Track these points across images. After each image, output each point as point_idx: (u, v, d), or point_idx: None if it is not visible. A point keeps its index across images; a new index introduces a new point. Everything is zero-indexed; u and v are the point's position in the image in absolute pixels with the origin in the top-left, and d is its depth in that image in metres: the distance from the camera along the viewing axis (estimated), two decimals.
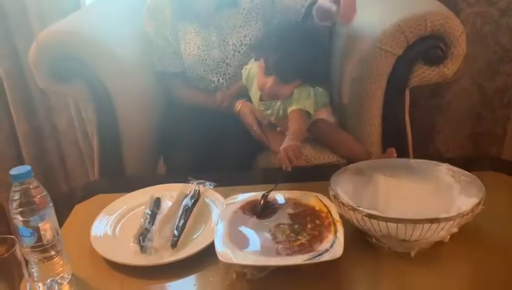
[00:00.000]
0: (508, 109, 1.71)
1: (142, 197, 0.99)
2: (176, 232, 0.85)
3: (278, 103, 1.22)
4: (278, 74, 1.11)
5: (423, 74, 1.18)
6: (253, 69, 1.26)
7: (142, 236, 0.84)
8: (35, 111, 1.70)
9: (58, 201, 1.09)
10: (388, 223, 0.75)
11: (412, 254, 0.79)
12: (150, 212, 0.91)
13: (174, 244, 0.83)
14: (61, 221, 0.94)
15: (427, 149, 1.89)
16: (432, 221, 0.73)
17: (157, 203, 0.96)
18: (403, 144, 1.24)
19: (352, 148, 1.28)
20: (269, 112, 1.26)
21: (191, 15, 1.34)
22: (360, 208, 0.77)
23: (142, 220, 0.89)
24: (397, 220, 0.74)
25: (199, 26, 1.35)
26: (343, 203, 0.80)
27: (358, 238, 0.84)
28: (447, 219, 0.73)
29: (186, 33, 1.36)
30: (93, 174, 1.40)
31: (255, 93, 1.27)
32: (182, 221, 0.88)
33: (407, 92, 1.22)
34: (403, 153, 1.21)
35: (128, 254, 0.82)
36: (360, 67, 1.23)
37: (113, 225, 0.92)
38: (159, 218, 0.90)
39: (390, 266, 0.79)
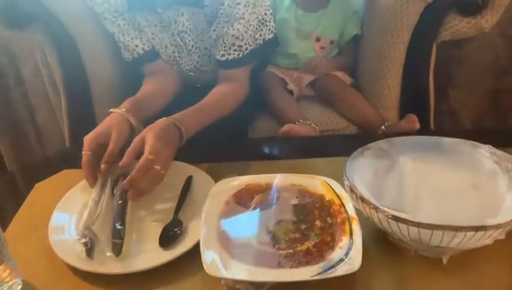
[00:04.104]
0: None
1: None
2: (119, 228, 0.68)
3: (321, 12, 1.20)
4: None
5: (456, 27, 0.99)
6: None
7: (85, 238, 0.67)
8: None
9: (17, 176, 0.93)
10: (420, 229, 0.59)
11: (444, 260, 0.64)
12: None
13: (117, 252, 0.66)
14: (18, 202, 0.80)
15: (440, 105, 1.71)
16: (477, 229, 0.57)
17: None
18: (424, 111, 1.07)
19: (363, 111, 1.12)
20: (313, 25, 1.20)
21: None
22: (385, 209, 0.61)
23: (86, 213, 0.72)
24: (433, 227, 0.58)
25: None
26: (362, 199, 0.64)
27: (377, 237, 0.69)
28: (496, 227, 0.57)
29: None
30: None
31: (288, 11, 1.20)
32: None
33: (434, 48, 1.03)
34: (422, 122, 1.04)
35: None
36: (382, 17, 1.02)
37: (78, 214, 0.75)
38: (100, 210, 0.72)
39: (417, 274, 0.64)
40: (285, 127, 1.04)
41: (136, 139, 0.77)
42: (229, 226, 0.67)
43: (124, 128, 0.83)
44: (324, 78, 1.17)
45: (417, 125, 0.99)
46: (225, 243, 0.64)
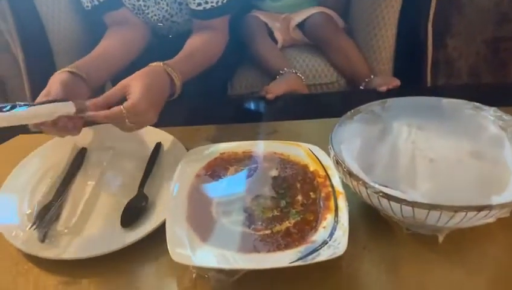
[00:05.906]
0: None
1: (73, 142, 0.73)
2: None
3: None
4: None
5: None
6: None
7: (40, 220, 0.59)
8: None
9: None
10: (415, 209, 0.52)
11: (440, 239, 0.57)
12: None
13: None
14: None
15: (436, 55, 1.61)
16: (479, 209, 0.50)
17: (79, 158, 0.70)
18: (421, 64, 0.96)
19: (352, 60, 1.03)
20: None
21: None
22: (375, 185, 0.53)
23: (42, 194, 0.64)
24: (429, 207, 0.51)
25: None
26: (349, 174, 0.56)
27: (365, 211, 0.62)
28: (501, 206, 0.50)
29: None
30: None
31: None
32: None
33: None
34: (419, 77, 0.94)
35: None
36: None
37: (30, 189, 0.66)
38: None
39: (409, 256, 0.57)
40: (270, 94, 0.93)
41: (118, 86, 0.65)
42: (199, 202, 0.60)
43: (60, 79, 0.69)
44: (316, 17, 1.06)
45: (393, 81, 0.87)
46: (195, 222, 0.57)
